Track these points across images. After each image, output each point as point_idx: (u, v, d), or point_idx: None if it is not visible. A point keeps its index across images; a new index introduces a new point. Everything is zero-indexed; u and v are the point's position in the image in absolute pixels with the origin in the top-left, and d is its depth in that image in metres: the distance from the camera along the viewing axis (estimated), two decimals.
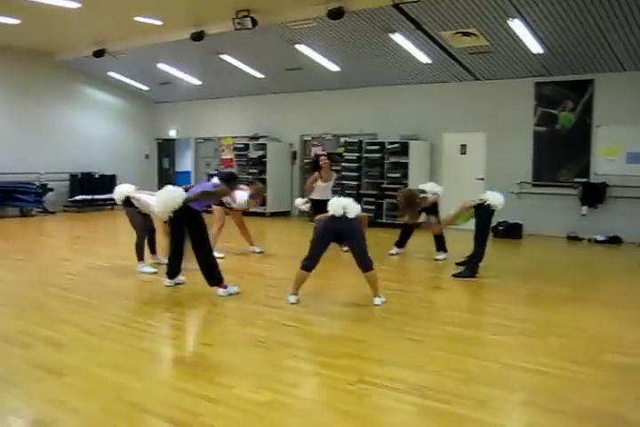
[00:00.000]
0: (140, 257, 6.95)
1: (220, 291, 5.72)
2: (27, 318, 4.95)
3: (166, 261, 6.28)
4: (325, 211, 5.48)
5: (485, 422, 3.10)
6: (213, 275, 5.73)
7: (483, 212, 6.96)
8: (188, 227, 5.78)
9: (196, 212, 5.81)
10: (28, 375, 3.66)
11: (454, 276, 6.86)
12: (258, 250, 8.43)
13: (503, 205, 7.02)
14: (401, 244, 8.43)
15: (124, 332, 4.70)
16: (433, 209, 8.02)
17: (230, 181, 6.72)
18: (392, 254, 8.34)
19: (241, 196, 7.59)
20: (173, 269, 6.07)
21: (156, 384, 3.61)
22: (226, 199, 7.48)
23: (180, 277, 6.18)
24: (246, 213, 12.89)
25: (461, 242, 7.87)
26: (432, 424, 3.09)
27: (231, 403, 3.26)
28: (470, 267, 6.90)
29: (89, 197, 14.34)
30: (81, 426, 3.04)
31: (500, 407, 3.34)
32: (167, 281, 6.10)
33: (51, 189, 13.55)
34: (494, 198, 6.96)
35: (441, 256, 8.02)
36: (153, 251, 7.30)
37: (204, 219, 5.84)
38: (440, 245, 8.08)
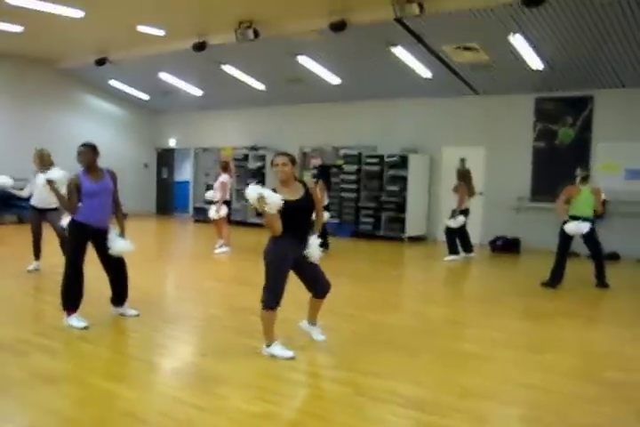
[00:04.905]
0: None
1: (66, 319, 5.02)
2: (22, 326, 4.91)
3: None
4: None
5: None
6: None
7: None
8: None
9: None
10: (22, 383, 3.61)
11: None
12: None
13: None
14: (466, 247, 9.43)
15: (120, 340, 4.66)
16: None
17: None
18: (470, 258, 9.36)
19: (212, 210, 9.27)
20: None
21: (150, 393, 3.57)
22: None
23: None
24: (241, 223, 13.01)
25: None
26: None
27: (225, 413, 3.23)
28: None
29: None
30: None
31: (497, 422, 3.31)
32: None
33: None
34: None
35: (471, 254, 9.36)
36: None
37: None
38: (466, 245, 9.36)
